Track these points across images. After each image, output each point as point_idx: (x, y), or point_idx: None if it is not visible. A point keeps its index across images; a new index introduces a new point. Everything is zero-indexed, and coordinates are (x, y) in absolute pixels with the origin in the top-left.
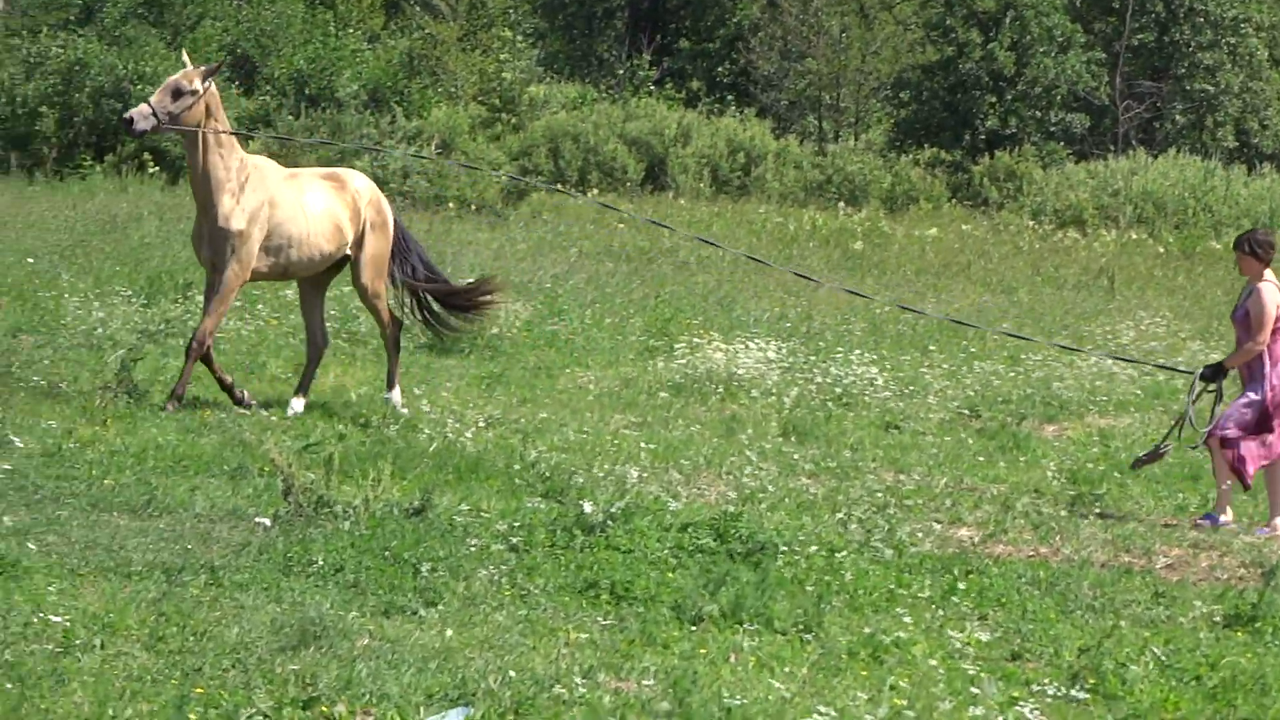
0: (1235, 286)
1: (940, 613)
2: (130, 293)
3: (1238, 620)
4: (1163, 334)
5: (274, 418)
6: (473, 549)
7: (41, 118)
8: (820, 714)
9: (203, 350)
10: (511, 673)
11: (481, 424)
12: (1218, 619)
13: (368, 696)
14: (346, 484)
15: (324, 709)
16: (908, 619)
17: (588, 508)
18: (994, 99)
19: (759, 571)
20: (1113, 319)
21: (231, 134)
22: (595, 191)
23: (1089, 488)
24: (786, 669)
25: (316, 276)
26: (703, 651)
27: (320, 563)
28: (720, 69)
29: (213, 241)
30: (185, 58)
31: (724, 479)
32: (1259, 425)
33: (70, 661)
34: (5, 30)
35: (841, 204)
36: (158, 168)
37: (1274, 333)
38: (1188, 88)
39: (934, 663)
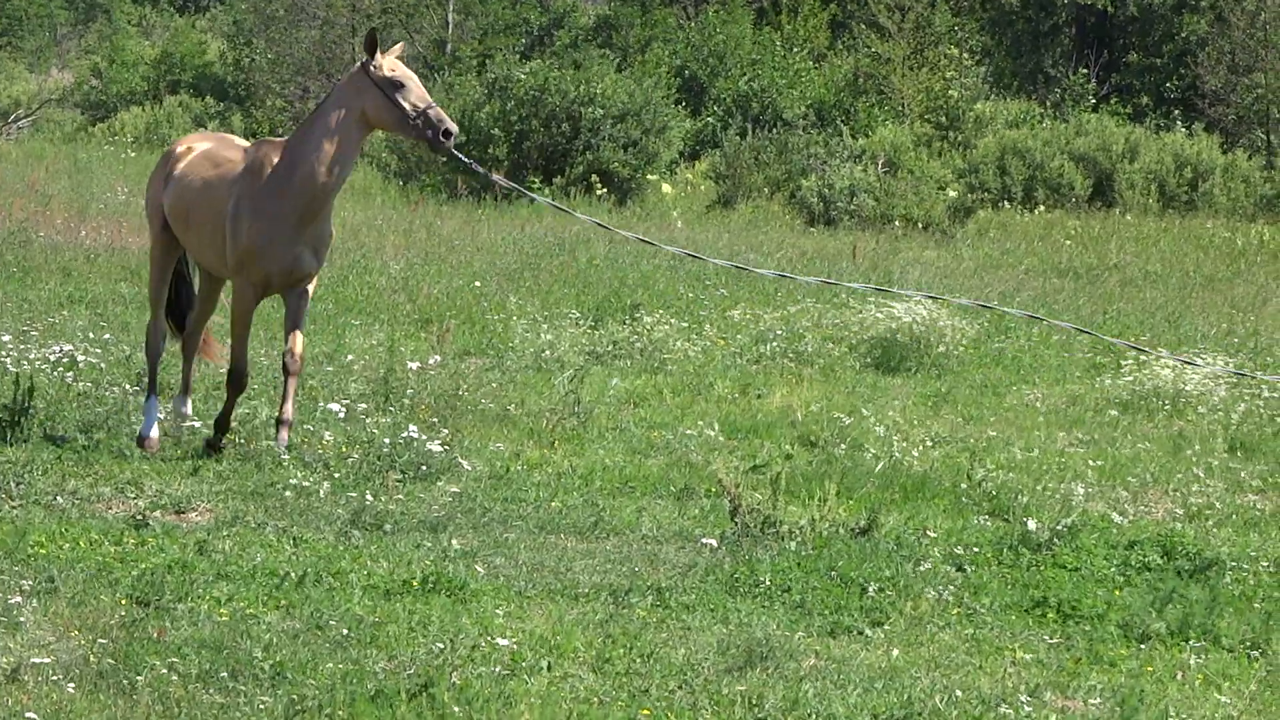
0: None
1: None
2: (578, 314)
3: None
4: None
5: (721, 437)
6: (919, 568)
7: (495, 141)
8: None
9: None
10: (958, 692)
11: (928, 443)
12: None
13: (814, 717)
14: (793, 504)
15: None
16: None
17: (1033, 526)
18: None
19: (1207, 589)
20: None
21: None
22: (1042, 208)
23: None
24: (1234, 686)
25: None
26: (1149, 669)
27: (766, 583)
28: (1168, 84)
29: (318, 249)
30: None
31: (1170, 496)
32: None
33: (517, 684)
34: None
35: None
36: (605, 189)
37: None
38: None
39: None
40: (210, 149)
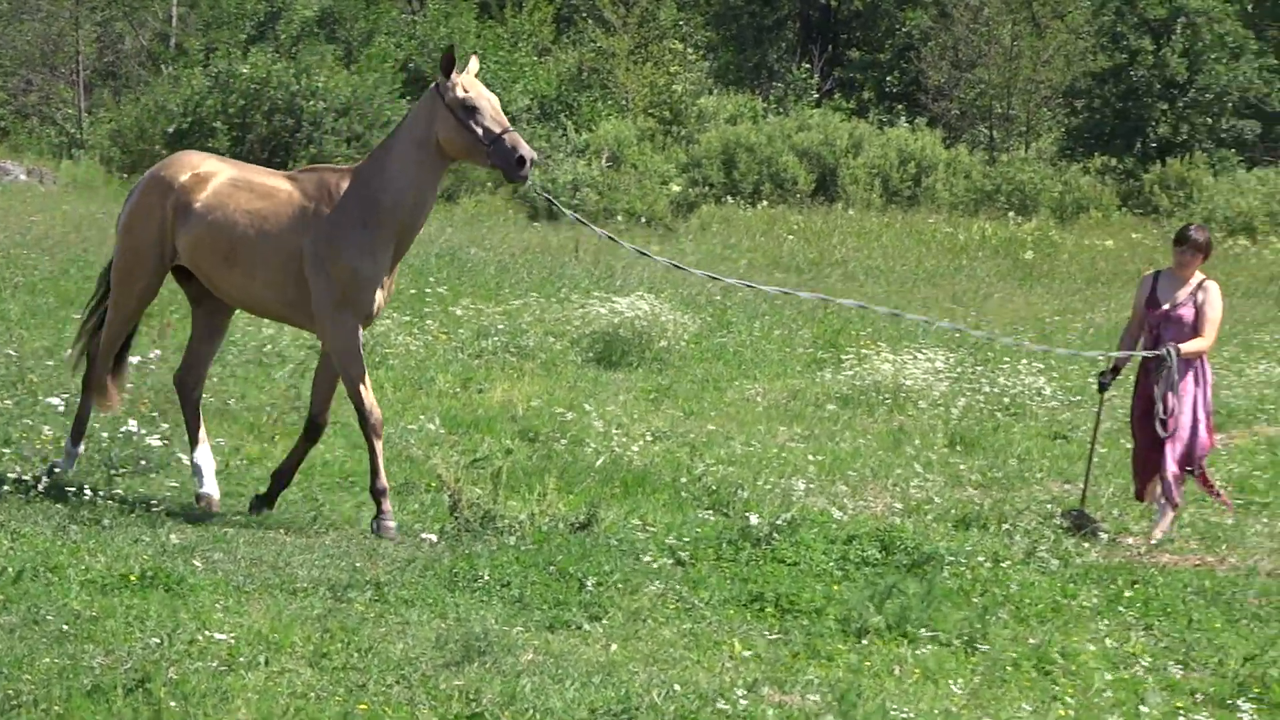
0: None
1: (1106, 623)
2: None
3: None
4: None
5: (442, 432)
6: (638, 563)
7: (218, 134)
8: None
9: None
10: (676, 687)
11: (648, 437)
12: None
13: (531, 712)
14: (513, 499)
15: None
16: (1073, 629)
17: (754, 520)
18: (1165, 106)
19: (925, 583)
20: None
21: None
22: (766, 204)
23: (1256, 496)
24: (952, 681)
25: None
26: (867, 664)
27: (486, 578)
28: (891, 78)
29: (388, 289)
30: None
31: (890, 490)
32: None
33: (235, 679)
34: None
35: (1011, 213)
36: None
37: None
38: None
39: (1099, 674)
40: (238, 176)
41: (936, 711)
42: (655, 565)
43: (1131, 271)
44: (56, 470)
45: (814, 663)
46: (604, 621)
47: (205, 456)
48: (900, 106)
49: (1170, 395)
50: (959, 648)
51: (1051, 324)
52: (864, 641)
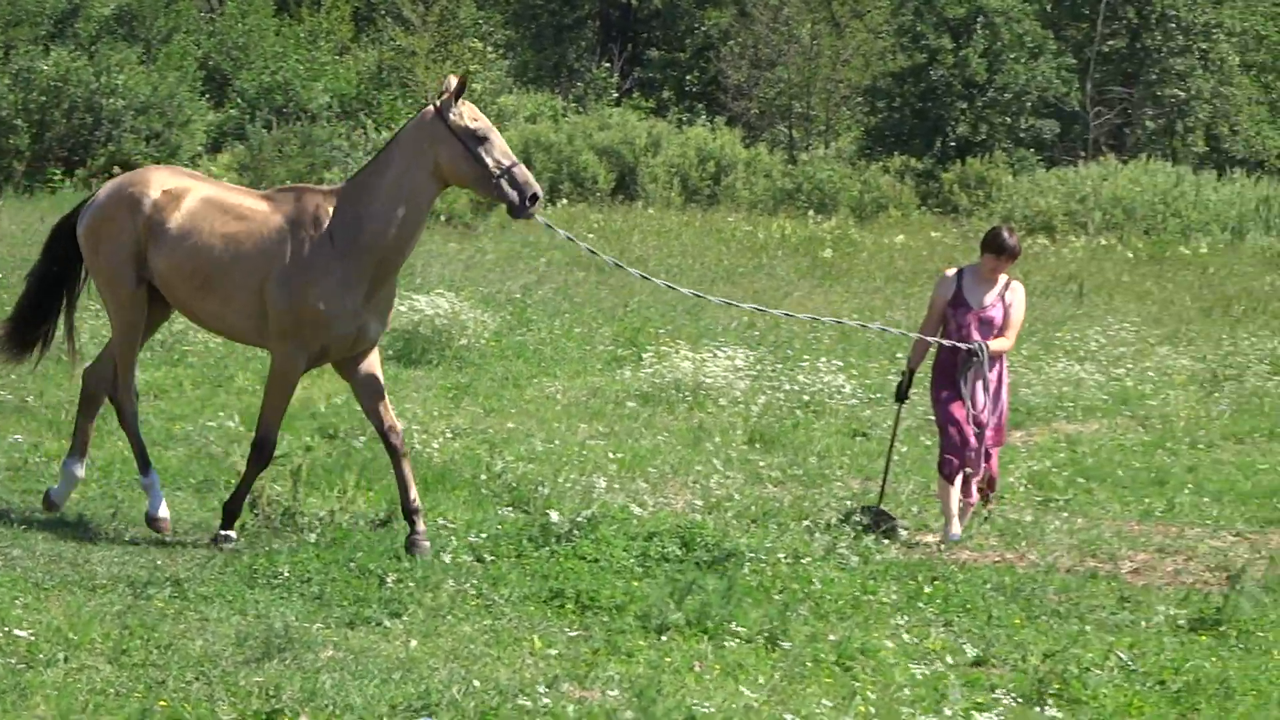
0: (1206, 292)
1: (906, 619)
2: (98, 307)
3: (1202, 624)
4: (1131, 339)
5: (242, 429)
6: (439, 560)
7: (18, 132)
8: None
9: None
10: (476, 683)
11: (448, 435)
12: (1182, 623)
13: (331, 708)
14: (313, 496)
15: None
16: (873, 625)
17: (554, 517)
18: (964, 105)
19: (725, 580)
20: (1081, 325)
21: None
22: (565, 202)
23: (1055, 493)
24: (753, 677)
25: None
26: (668, 660)
27: (286, 574)
28: (690, 78)
29: (384, 314)
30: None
31: (691, 488)
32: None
33: (34, 675)
34: None
35: (811, 212)
36: None
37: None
38: (1158, 93)
39: (899, 669)
40: (213, 196)
41: (737, 707)
42: (455, 562)
43: (931, 270)
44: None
45: (614, 659)
46: (404, 618)
47: (78, 470)
48: (700, 106)
49: (981, 391)
50: (760, 644)
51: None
52: (664, 638)
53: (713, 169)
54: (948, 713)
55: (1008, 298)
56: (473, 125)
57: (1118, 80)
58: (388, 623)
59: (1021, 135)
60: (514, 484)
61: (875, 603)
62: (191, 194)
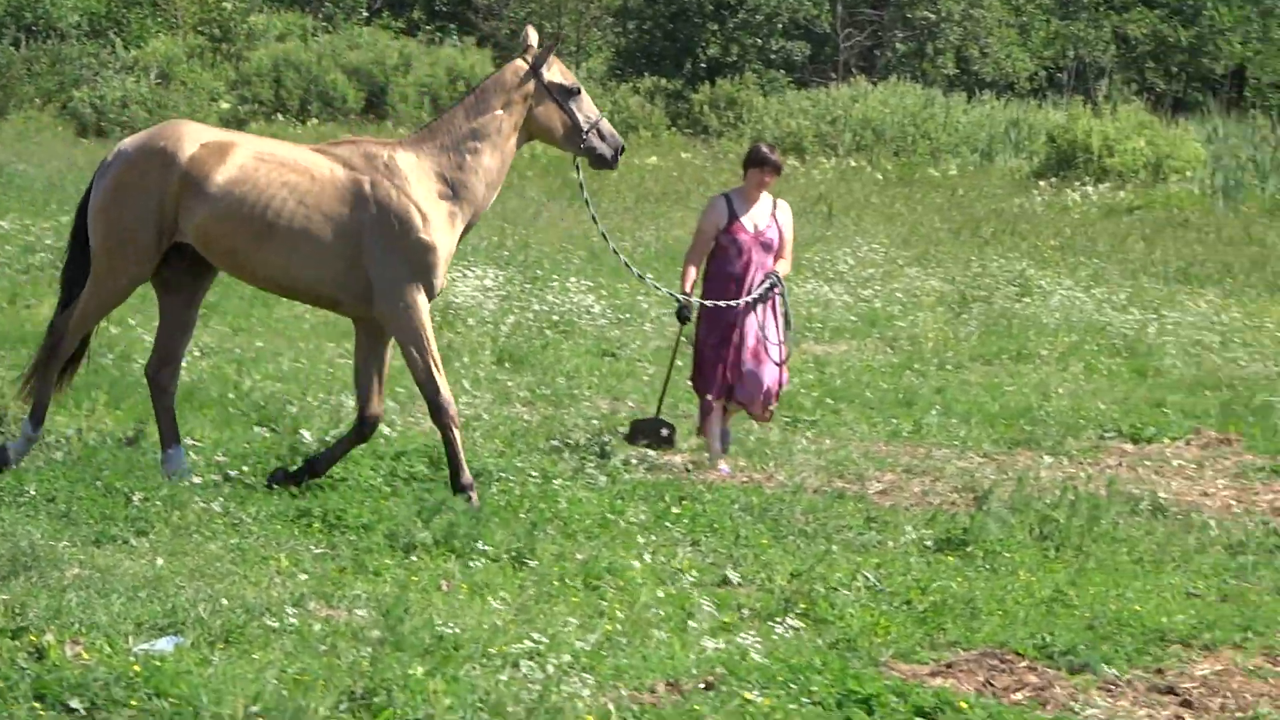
0: (955, 214)
1: (653, 539)
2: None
3: (949, 544)
4: (880, 261)
5: None
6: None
7: None
8: (533, 641)
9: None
10: (222, 601)
11: (196, 353)
12: (929, 543)
13: (77, 625)
14: (61, 414)
15: (33, 638)
16: (621, 545)
17: (305, 436)
18: (715, 27)
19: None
20: (830, 246)
21: None
22: (315, 121)
23: (803, 414)
24: (500, 596)
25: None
26: (415, 579)
27: (32, 493)
28: None
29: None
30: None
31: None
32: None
33: None
34: None
35: None
36: None
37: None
38: (909, 15)
39: (646, 589)
40: (261, 149)
41: (484, 626)
42: (203, 481)
43: (681, 191)
44: (8, 453)
45: (361, 578)
46: (151, 536)
47: (178, 457)
48: (451, 26)
49: (773, 319)
50: (507, 563)
51: (599, 243)
52: (412, 557)
53: (463, 89)
54: (694, 631)
55: (780, 218)
56: (566, 82)
57: (868, 2)
58: (134, 541)
59: (772, 57)
60: (262, 403)
61: (623, 523)
62: (239, 147)
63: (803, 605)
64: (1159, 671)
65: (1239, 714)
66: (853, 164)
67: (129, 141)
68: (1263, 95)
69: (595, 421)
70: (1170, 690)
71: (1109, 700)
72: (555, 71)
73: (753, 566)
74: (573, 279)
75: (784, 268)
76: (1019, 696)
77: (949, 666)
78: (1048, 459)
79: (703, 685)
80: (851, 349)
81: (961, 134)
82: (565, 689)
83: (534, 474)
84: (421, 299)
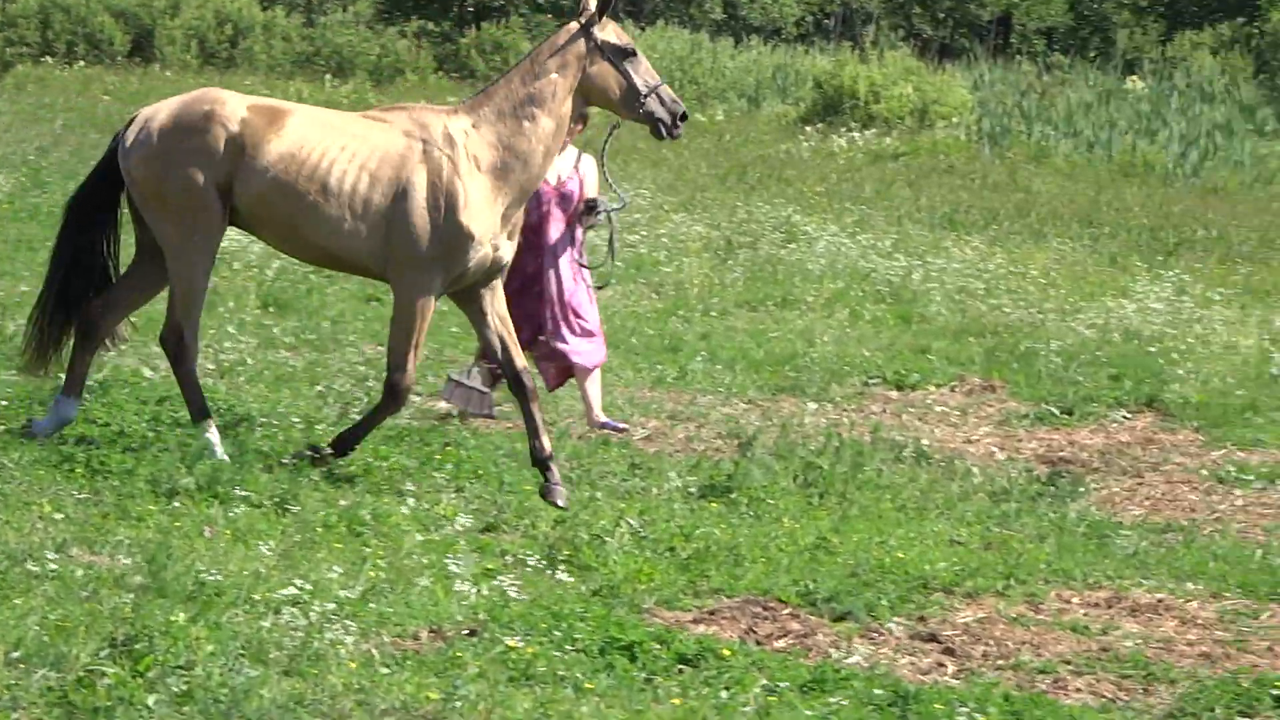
0: (722, 159)
1: (417, 485)
2: None
3: (713, 491)
4: (646, 206)
5: None
6: None
7: None
8: (296, 587)
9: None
10: None
11: None
12: (693, 490)
13: None
14: None
15: None
16: (385, 491)
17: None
18: None
19: (236, 445)
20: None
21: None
22: (82, 64)
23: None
24: (263, 542)
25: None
26: (178, 525)
27: None
28: None
29: (513, 234)
30: None
31: (203, 352)
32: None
33: None
34: None
35: (329, 76)
36: None
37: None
38: None
39: (411, 535)
40: (316, 114)
41: (246, 573)
42: None
43: None
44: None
45: (124, 524)
46: None
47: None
48: None
49: (588, 288)
50: (270, 509)
51: None
52: (175, 503)
53: (230, 32)
54: (458, 577)
55: (581, 169)
56: (620, 42)
57: None
58: None
59: (539, 1)
60: (22, 347)
61: (387, 469)
62: (292, 113)
63: (567, 552)
64: (922, 619)
65: (1001, 661)
66: None
67: (158, 112)
68: (1028, 42)
69: (360, 367)
70: (933, 637)
71: (871, 647)
72: (609, 32)
73: (517, 513)
74: None
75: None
76: (782, 644)
77: (712, 614)
78: (812, 406)
79: (466, 632)
80: (617, 294)
81: (728, 79)
82: (328, 635)
83: (297, 419)
84: (435, 283)
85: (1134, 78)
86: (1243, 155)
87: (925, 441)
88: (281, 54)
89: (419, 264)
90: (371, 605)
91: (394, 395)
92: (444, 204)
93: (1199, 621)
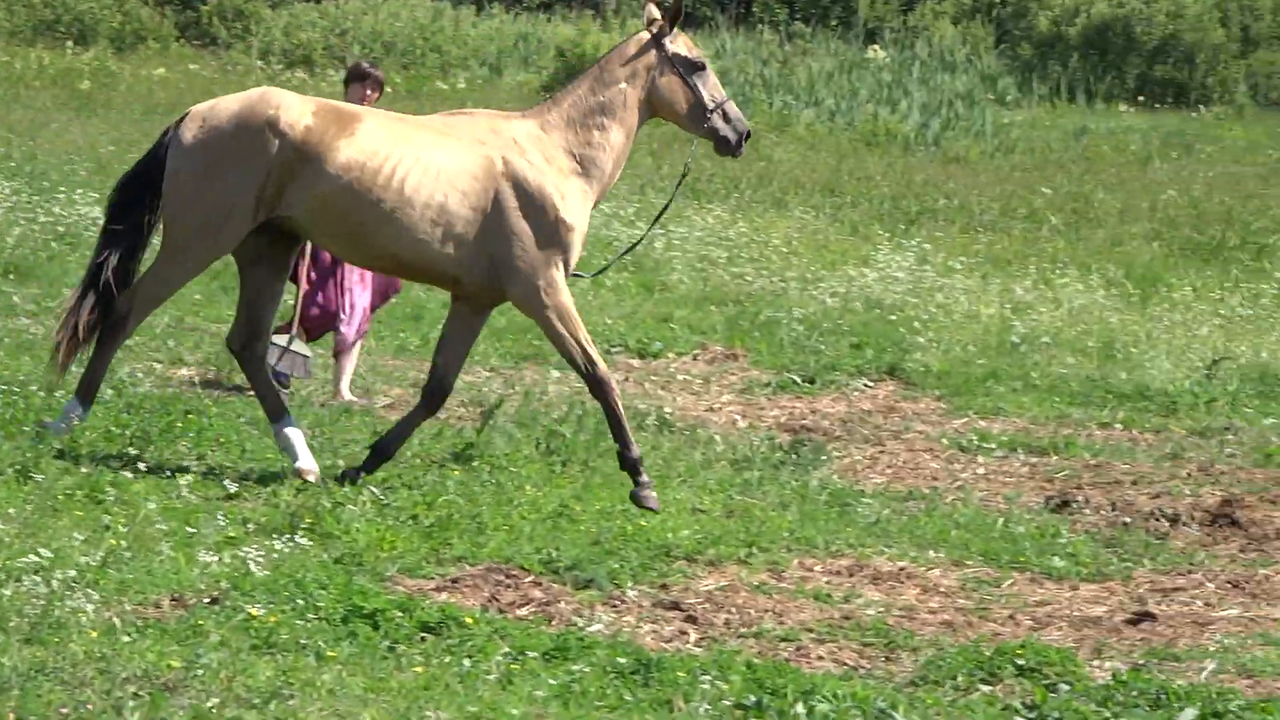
0: None
1: (159, 453)
2: None
3: (455, 459)
4: None
5: None
6: None
7: None
8: (37, 556)
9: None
10: None
11: None
12: (435, 458)
13: None
14: None
15: None
16: (126, 459)
17: None
18: None
19: None
20: None
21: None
22: None
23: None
24: (3, 511)
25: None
26: None
27: None
28: None
29: None
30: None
31: None
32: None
33: None
34: None
35: (70, 43)
36: None
37: None
38: None
39: (152, 503)
40: (388, 120)
41: None
42: None
43: (189, 102)
44: (48, 429)
45: None
46: None
47: (293, 432)
48: None
49: None
50: (11, 477)
51: (108, 154)
52: None
53: None
54: (199, 545)
55: None
56: (690, 54)
57: None
58: None
59: None
60: None
61: (129, 436)
62: (362, 118)
63: (309, 520)
64: (664, 587)
65: (743, 629)
66: None
67: (214, 110)
68: (770, 11)
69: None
70: (675, 605)
71: (614, 615)
72: (680, 44)
73: (259, 481)
74: (79, 191)
75: None
76: (524, 612)
77: (454, 581)
78: (555, 374)
79: (208, 600)
80: None
81: (471, 47)
82: (69, 603)
83: (38, 386)
84: (560, 277)
85: (875, 47)
86: (984, 125)
87: (668, 410)
88: (24, 20)
89: (536, 267)
90: (113, 573)
91: (603, 387)
92: (538, 204)
93: (941, 589)
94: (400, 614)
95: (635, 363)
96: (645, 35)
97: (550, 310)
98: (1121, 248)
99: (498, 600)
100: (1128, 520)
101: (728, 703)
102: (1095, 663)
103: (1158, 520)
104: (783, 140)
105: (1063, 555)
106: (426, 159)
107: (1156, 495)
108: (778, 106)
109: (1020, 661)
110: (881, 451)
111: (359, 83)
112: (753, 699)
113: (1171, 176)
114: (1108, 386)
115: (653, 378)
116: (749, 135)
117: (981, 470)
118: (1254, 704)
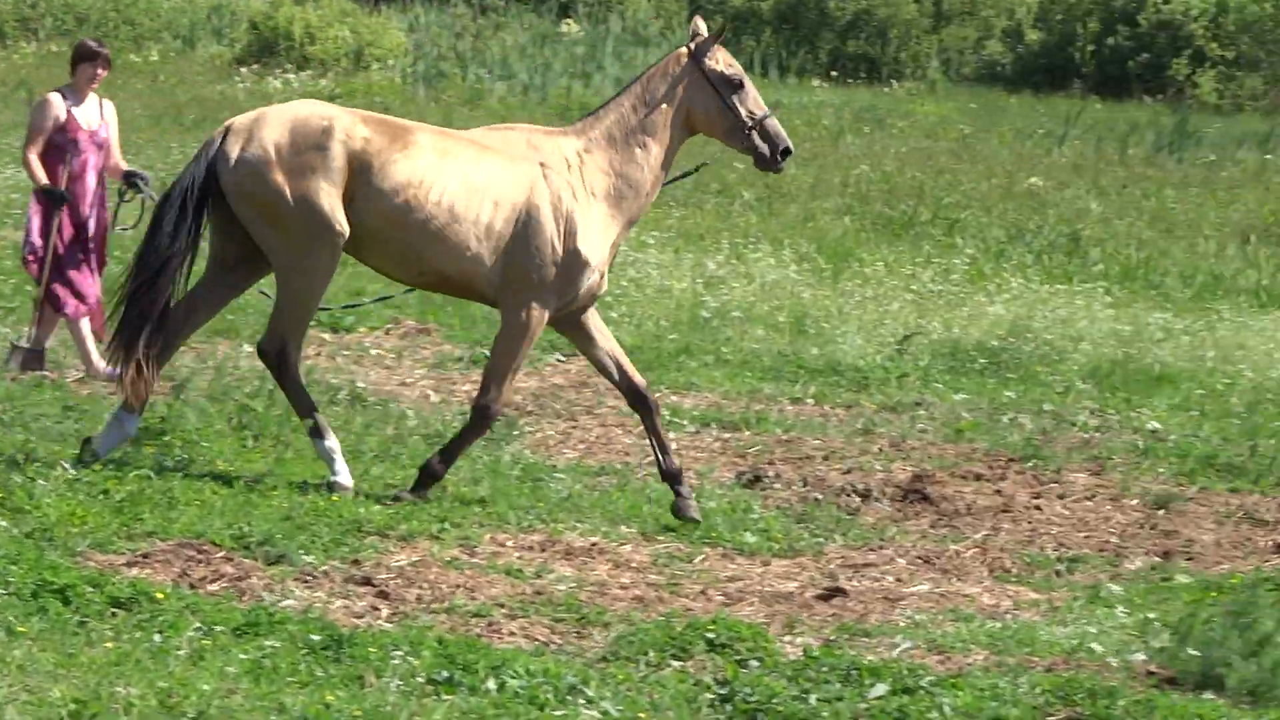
0: (157, 100)
1: None
2: None
3: (146, 434)
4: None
5: None
6: None
7: None
8: None
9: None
10: None
11: None
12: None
13: None
14: None
15: None
16: None
17: None
18: None
19: None
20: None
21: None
22: None
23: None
24: None
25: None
26: None
27: None
28: None
29: (611, 261)
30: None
31: None
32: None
33: None
34: None
35: None
36: None
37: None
38: None
39: None
40: (438, 135)
41: None
42: None
43: None
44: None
45: None
46: None
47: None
48: None
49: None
50: None
51: None
52: None
53: None
54: None
55: (106, 116)
56: (728, 72)
57: None
58: None
59: None
60: None
61: None
62: (416, 132)
63: None
64: (356, 562)
65: (435, 604)
66: (54, 49)
67: (263, 126)
68: None
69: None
70: (367, 580)
71: (306, 590)
72: (720, 61)
73: None
74: None
75: (122, 165)
76: (216, 587)
77: (146, 557)
78: (247, 348)
79: None
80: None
81: (164, 20)
82: None
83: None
84: (551, 304)
85: (569, 21)
86: None
87: (360, 384)
88: None
89: (536, 289)
90: None
91: (484, 418)
92: (564, 230)
93: (632, 565)
94: (91, 589)
95: (328, 337)
96: (684, 52)
97: (519, 328)
98: (814, 223)
99: (189, 576)
100: (819, 496)
101: (419, 678)
102: (787, 638)
103: (849, 496)
104: (476, 114)
105: (754, 531)
106: (474, 176)
107: (848, 471)
108: (471, 80)
109: (711, 637)
110: (574, 426)
111: (88, 62)
112: (444, 674)
113: (864, 151)
114: (799, 361)
115: (345, 352)
116: (789, 151)
117: (674, 446)
118: (944, 680)
